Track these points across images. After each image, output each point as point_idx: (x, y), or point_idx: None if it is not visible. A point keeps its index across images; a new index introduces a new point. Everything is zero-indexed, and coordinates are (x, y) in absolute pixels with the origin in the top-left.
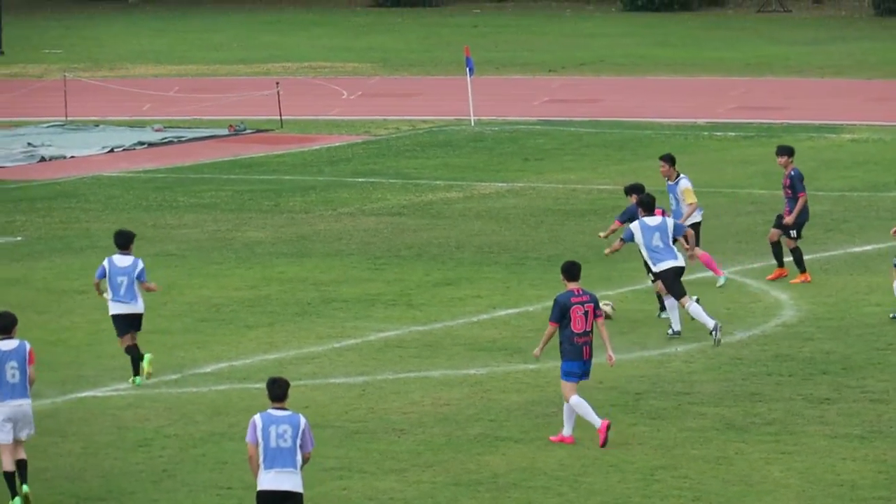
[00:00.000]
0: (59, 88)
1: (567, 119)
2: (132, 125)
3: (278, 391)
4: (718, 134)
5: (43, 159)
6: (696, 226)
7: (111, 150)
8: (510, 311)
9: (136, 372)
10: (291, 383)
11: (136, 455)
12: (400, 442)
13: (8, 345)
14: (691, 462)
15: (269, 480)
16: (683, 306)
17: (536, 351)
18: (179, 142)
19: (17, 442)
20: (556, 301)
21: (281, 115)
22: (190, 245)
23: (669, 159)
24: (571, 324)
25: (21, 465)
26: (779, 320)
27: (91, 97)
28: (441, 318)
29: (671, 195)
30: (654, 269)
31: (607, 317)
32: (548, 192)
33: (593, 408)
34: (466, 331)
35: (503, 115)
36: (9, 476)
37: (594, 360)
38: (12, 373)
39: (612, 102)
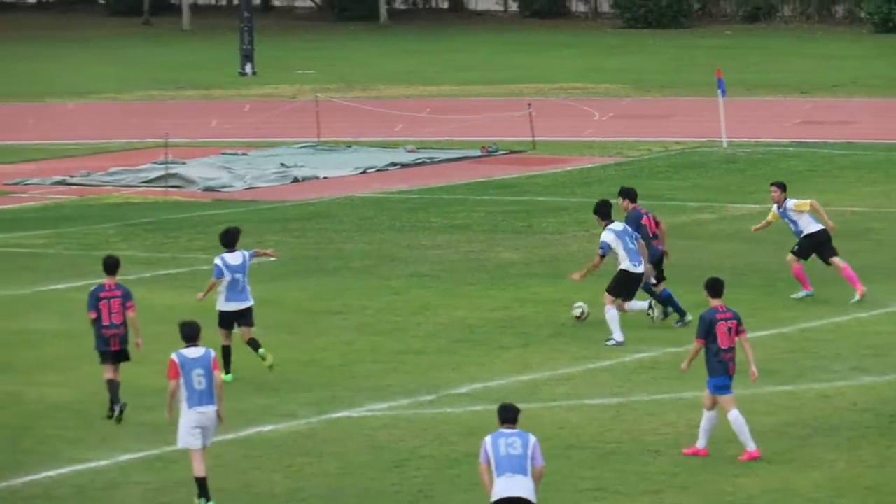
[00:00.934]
0: (311, 109)
1: (820, 141)
2: (384, 146)
3: (508, 415)
4: None
5: (296, 180)
6: (815, 235)
7: (364, 171)
8: (762, 332)
9: (228, 370)
10: (546, 404)
11: (392, 476)
12: (655, 463)
13: (194, 352)
14: None
15: (502, 487)
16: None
17: (684, 365)
18: (432, 163)
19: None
20: (701, 318)
21: (533, 136)
22: (444, 266)
23: (782, 186)
24: (718, 340)
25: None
26: None
27: (343, 118)
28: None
29: (785, 219)
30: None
31: (578, 318)
32: None
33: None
34: None
35: (755, 137)
36: (201, 481)
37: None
38: (199, 380)
39: (865, 124)
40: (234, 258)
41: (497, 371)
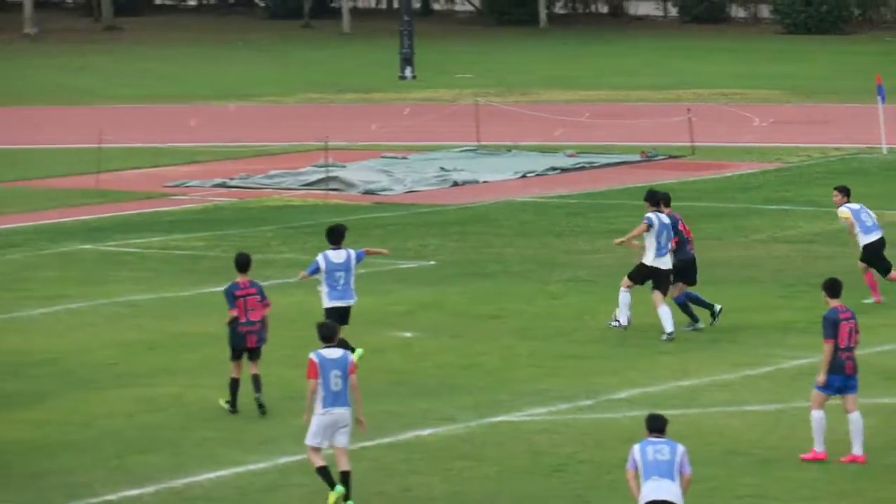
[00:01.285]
0: (470, 113)
1: None
2: (544, 150)
3: (656, 424)
4: None
5: (455, 184)
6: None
7: (523, 176)
8: None
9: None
10: (705, 410)
11: (550, 481)
12: (814, 470)
13: (332, 353)
14: None
15: (649, 490)
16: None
17: (821, 377)
18: (591, 167)
19: (340, 451)
20: (825, 318)
21: (692, 142)
22: (602, 271)
23: (843, 190)
24: (838, 339)
25: (345, 477)
26: None
27: (502, 122)
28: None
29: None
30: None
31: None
32: None
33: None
34: (880, 359)
35: None
36: (322, 470)
37: None
38: (336, 381)
39: None
40: (338, 256)
41: (656, 376)
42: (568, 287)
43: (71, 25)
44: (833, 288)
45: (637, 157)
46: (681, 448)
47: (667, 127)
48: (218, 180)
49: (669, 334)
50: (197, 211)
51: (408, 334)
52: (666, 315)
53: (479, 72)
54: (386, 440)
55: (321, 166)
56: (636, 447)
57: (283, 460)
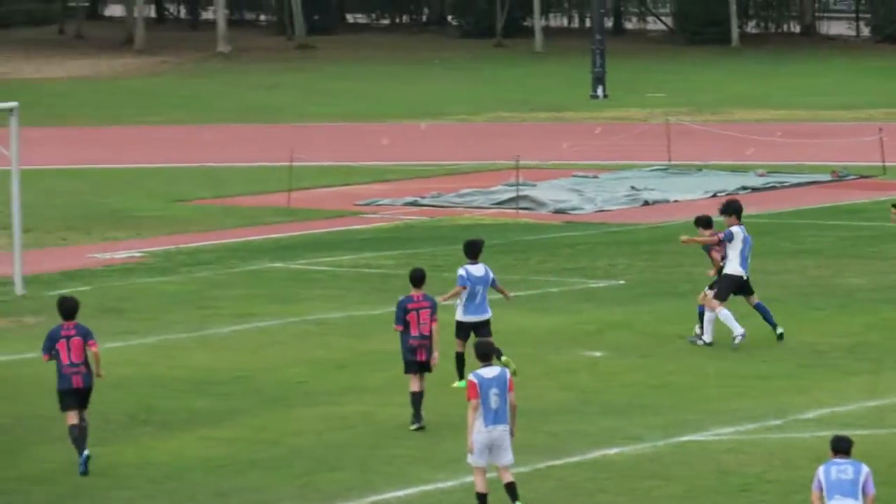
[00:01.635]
0: (661, 132)
1: None
2: (734, 170)
3: (841, 445)
4: None
5: (646, 203)
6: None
7: (714, 195)
8: None
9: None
10: (893, 431)
11: (738, 500)
12: None
13: (490, 372)
14: None
15: None
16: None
17: None
18: (782, 187)
19: (503, 469)
20: None
21: (884, 161)
22: (790, 290)
23: None
24: None
25: (510, 488)
26: None
27: (693, 141)
28: None
29: None
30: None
31: None
32: None
33: None
34: None
35: None
36: (482, 497)
37: None
38: (494, 399)
39: None
40: (477, 270)
41: (845, 397)
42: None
43: (264, 44)
44: None
45: (828, 177)
46: (865, 468)
47: (858, 146)
48: (409, 199)
49: (741, 335)
50: (387, 229)
51: (597, 353)
52: (729, 319)
53: (671, 91)
54: (573, 459)
55: (512, 185)
56: (821, 468)
57: (469, 479)
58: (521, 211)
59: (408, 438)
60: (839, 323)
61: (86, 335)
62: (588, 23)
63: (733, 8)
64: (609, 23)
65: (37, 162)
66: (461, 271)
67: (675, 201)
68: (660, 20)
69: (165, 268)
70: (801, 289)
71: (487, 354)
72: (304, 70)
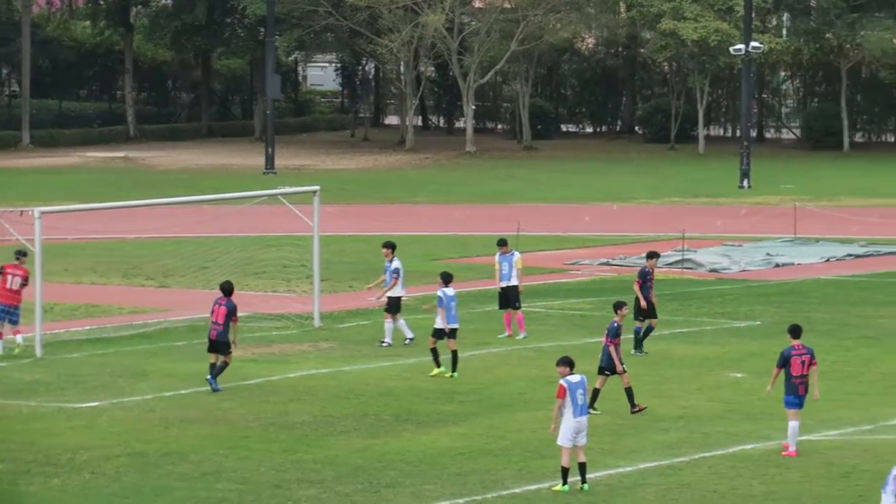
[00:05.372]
0: (789, 214)
1: None
2: (843, 241)
3: None
4: None
5: (777, 265)
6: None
7: (827, 260)
8: None
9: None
10: None
11: (839, 483)
12: None
13: (575, 378)
14: None
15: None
16: None
17: None
18: (878, 255)
19: (577, 448)
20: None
21: None
22: (885, 330)
23: None
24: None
25: (582, 466)
26: None
27: (814, 220)
28: None
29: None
30: None
31: None
32: None
33: None
34: None
35: None
36: (564, 471)
37: None
38: (580, 397)
39: None
40: (451, 291)
41: None
42: (858, 342)
43: (500, 146)
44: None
45: None
46: None
47: None
48: (603, 259)
49: None
50: (587, 282)
51: (738, 375)
52: None
53: (798, 184)
54: (719, 452)
55: (678, 251)
56: (894, 470)
57: (643, 465)
58: (685, 269)
59: (596, 435)
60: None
61: (232, 311)
62: (738, 133)
63: (845, 123)
64: (754, 133)
65: (332, 230)
66: (440, 293)
67: (799, 264)
68: (791, 131)
69: (425, 308)
70: (892, 329)
71: (571, 363)
72: (529, 165)
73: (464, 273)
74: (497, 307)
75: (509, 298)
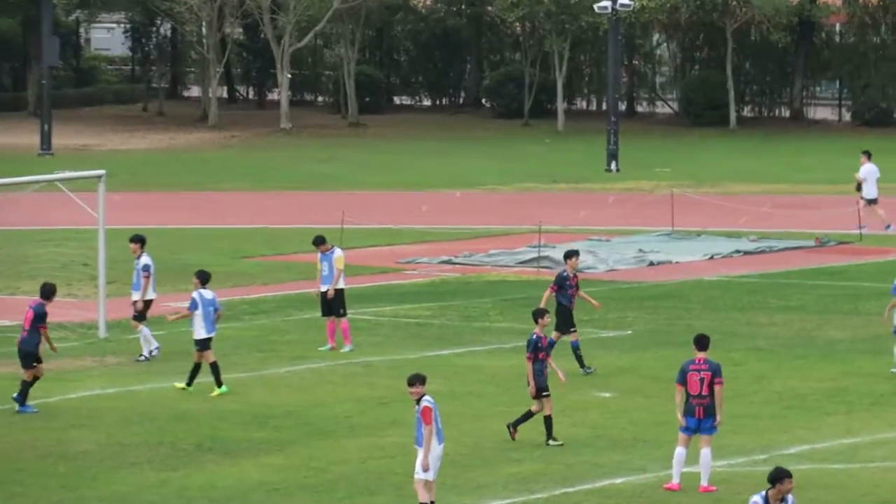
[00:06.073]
0: (666, 202)
1: None
2: (730, 235)
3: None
4: None
5: (651, 263)
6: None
7: (711, 257)
8: None
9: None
10: (865, 465)
11: None
12: None
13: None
14: None
15: None
16: None
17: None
18: (771, 251)
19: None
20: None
21: (860, 230)
22: (778, 341)
23: None
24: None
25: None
26: None
27: (694, 210)
28: None
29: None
30: None
31: None
32: None
33: None
34: None
35: None
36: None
37: None
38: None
39: None
40: (209, 294)
41: (823, 434)
42: (748, 355)
43: (321, 121)
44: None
45: (811, 243)
46: (791, 498)
47: (838, 217)
48: (444, 258)
49: None
50: (425, 284)
51: (606, 394)
52: None
53: (675, 166)
54: (585, 487)
55: (534, 247)
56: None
57: (493, 503)
58: (541, 269)
59: (440, 468)
60: (819, 370)
61: (38, 316)
62: (604, 106)
63: (731, 94)
64: (622, 106)
65: (120, 223)
66: (194, 294)
67: (677, 262)
68: (667, 104)
69: (230, 315)
70: (786, 340)
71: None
72: (355, 145)
73: (278, 273)
74: (319, 314)
75: (332, 304)
